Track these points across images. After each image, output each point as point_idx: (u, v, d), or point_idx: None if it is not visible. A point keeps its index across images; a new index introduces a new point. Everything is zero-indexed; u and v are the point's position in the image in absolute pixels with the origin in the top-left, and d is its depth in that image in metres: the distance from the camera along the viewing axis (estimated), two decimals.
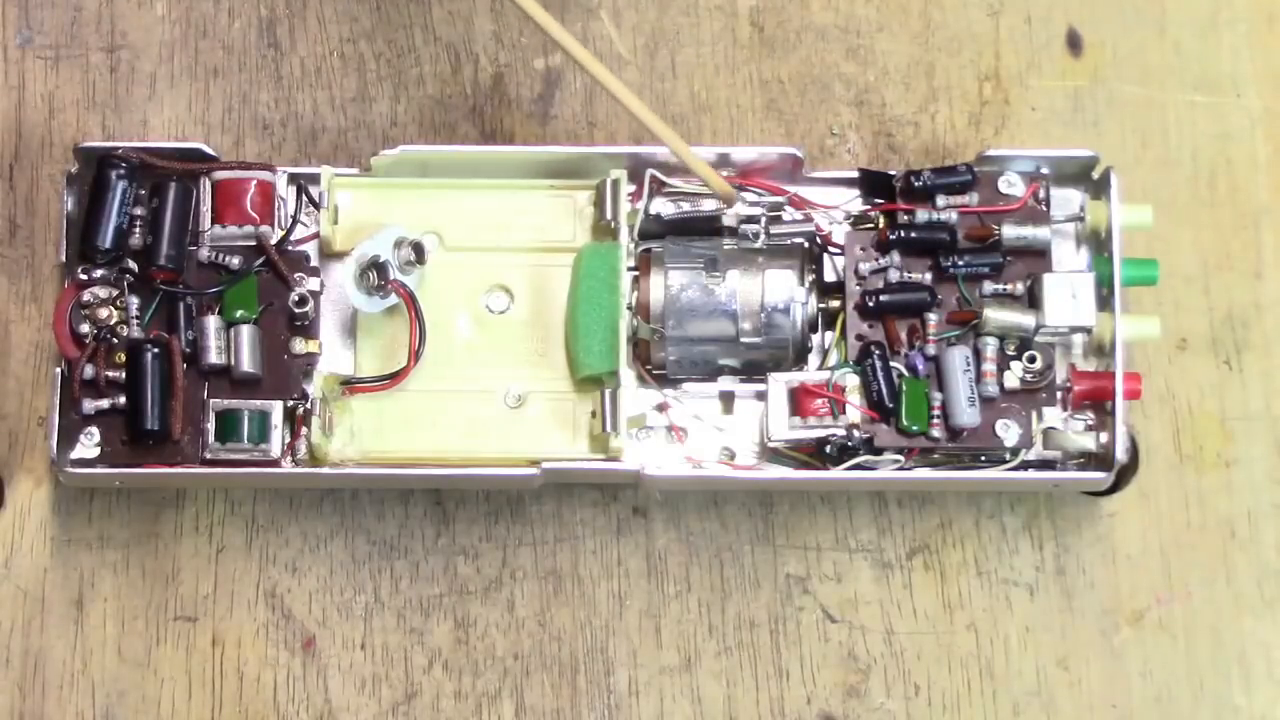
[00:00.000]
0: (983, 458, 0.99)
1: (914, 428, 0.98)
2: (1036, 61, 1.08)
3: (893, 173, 1.01)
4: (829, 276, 1.01)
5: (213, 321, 0.99)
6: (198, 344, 0.99)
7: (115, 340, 0.99)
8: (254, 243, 1.00)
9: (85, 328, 0.99)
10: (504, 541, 1.03)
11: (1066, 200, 1.02)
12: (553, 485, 1.02)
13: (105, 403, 0.98)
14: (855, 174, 1.02)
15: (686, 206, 1.01)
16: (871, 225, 1.01)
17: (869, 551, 1.03)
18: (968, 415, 0.97)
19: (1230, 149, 1.07)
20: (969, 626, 1.02)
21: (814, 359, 1.01)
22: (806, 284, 0.99)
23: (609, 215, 1.00)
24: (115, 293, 0.99)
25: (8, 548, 1.02)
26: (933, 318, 0.99)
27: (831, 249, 1.01)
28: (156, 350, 0.98)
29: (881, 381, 0.98)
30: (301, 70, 1.07)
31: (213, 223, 1.00)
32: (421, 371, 0.99)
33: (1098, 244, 1.01)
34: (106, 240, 0.99)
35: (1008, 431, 0.98)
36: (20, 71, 1.07)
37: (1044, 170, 1.01)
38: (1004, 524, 1.03)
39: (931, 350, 0.99)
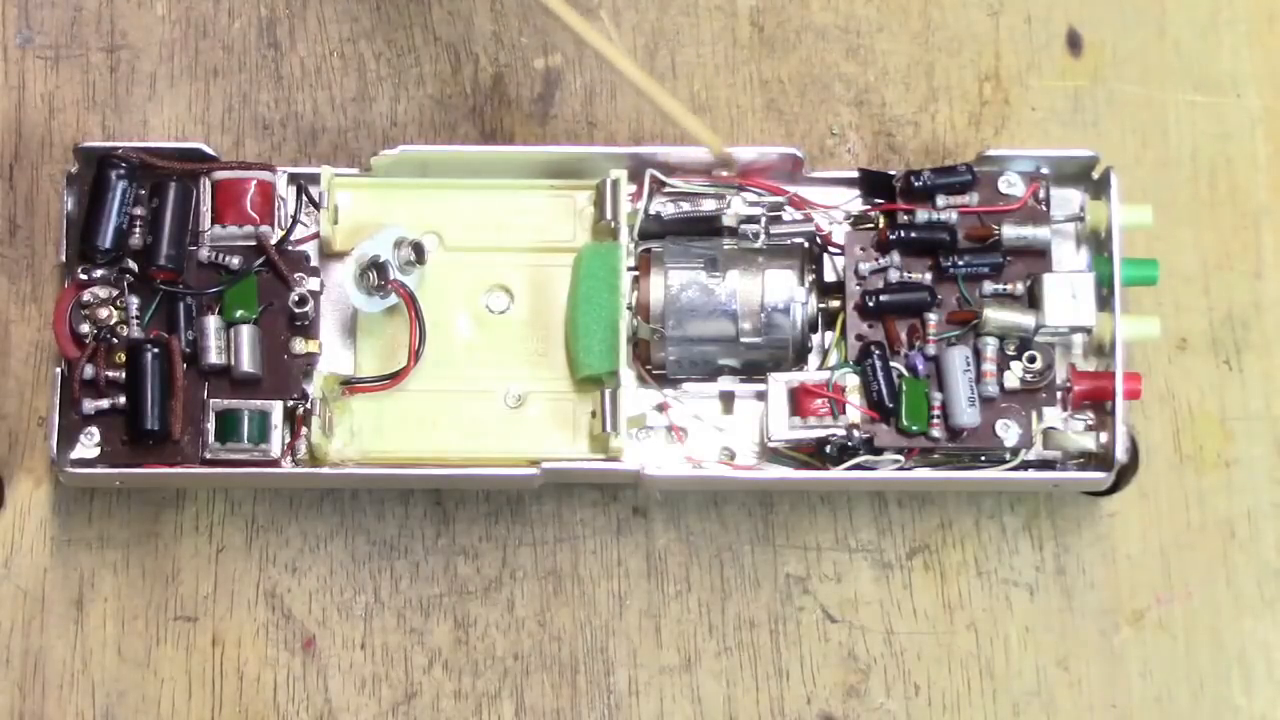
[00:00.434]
0: (983, 458, 0.99)
1: (914, 428, 0.98)
2: (1036, 61, 1.08)
3: (893, 173, 1.01)
4: (829, 276, 1.01)
5: (213, 321, 0.99)
6: (198, 344, 0.99)
7: (115, 340, 0.99)
8: (254, 243, 1.00)
9: (85, 328, 0.99)
10: (504, 541, 1.03)
11: (1066, 200, 1.02)
12: (553, 485, 1.02)
13: (105, 403, 0.98)
14: (855, 174, 1.02)
15: (686, 206, 1.01)
16: (871, 225, 1.01)
17: (869, 551, 1.03)
18: (968, 415, 0.97)
19: (1230, 149, 1.07)
20: (969, 626, 1.02)
21: (814, 359, 1.01)
22: (806, 284, 0.99)
23: (609, 215, 1.00)
24: (115, 293, 0.99)
25: (8, 548, 1.02)
26: (933, 318, 0.99)
27: (831, 249, 1.01)
28: (156, 350, 0.98)
29: (881, 381, 0.98)
30: (301, 70, 1.07)
31: (213, 223, 1.00)
32: (421, 371, 0.99)
33: (1098, 244, 1.01)
34: (106, 240, 0.99)
35: (1008, 431, 0.98)
36: (20, 71, 1.07)
37: (1044, 170, 1.01)
38: (1004, 524, 1.03)
39: (931, 350, 0.99)
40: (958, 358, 0.98)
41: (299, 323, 1.00)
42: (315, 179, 1.01)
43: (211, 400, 0.99)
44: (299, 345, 0.99)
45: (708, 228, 1.01)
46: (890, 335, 0.99)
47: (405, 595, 1.02)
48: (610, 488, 1.03)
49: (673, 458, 1.01)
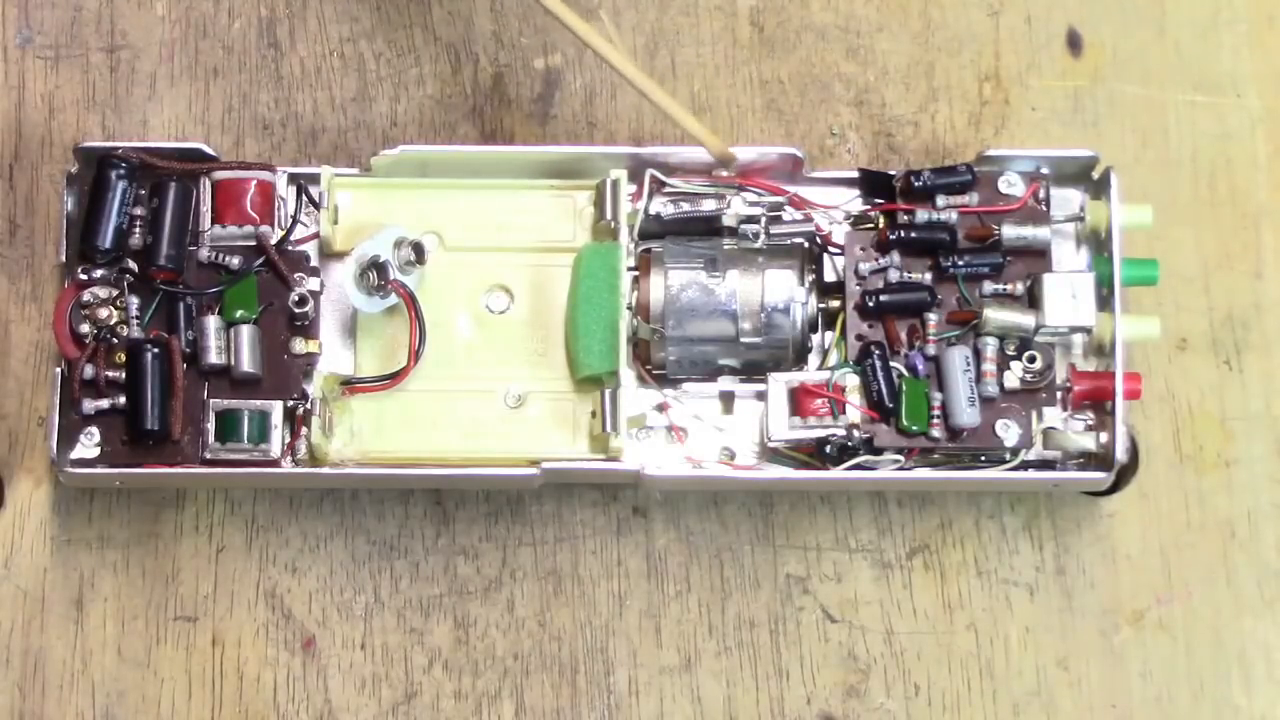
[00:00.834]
0: (983, 458, 0.99)
1: (914, 428, 0.98)
2: (1036, 61, 1.08)
3: (893, 173, 1.01)
4: (829, 276, 1.01)
5: (213, 321, 0.99)
6: (198, 344, 0.99)
7: (115, 340, 0.99)
8: (254, 243, 1.00)
9: (85, 328, 0.99)
10: (504, 541, 1.03)
11: (1066, 200, 1.02)
12: (553, 485, 1.02)
13: (105, 403, 0.98)
14: (855, 174, 1.02)
15: (686, 206, 1.01)
16: (871, 225, 1.01)
17: (869, 551, 1.03)
18: (968, 415, 0.97)
19: (1230, 149, 1.07)
20: (969, 626, 1.02)
21: (814, 359, 1.01)
22: (806, 284, 0.99)
23: (609, 215, 1.00)
24: (115, 293, 0.99)
25: (8, 548, 1.02)
26: (933, 318, 0.99)
27: (831, 249, 1.01)
28: (156, 350, 0.98)
29: (881, 381, 0.98)
30: (301, 70, 1.07)
31: (213, 223, 1.00)
32: (421, 371, 0.99)
33: (1098, 244, 1.01)
34: (106, 240, 0.99)
35: (1008, 431, 0.98)
36: (20, 71, 1.07)
37: (1044, 170, 1.01)
38: (1004, 524, 1.03)
39: (931, 350, 0.99)
40: (958, 358, 0.98)
41: (299, 323, 1.00)
42: (315, 179, 1.01)
43: (211, 400, 0.99)
44: (299, 345, 0.99)
45: (708, 228, 1.01)
46: (890, 335, 0.99)
47: (405, 595, 1.02)
48: (610, 488, 1.03)
49: (673, 458, 1.01)
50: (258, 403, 0.99)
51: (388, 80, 1.07)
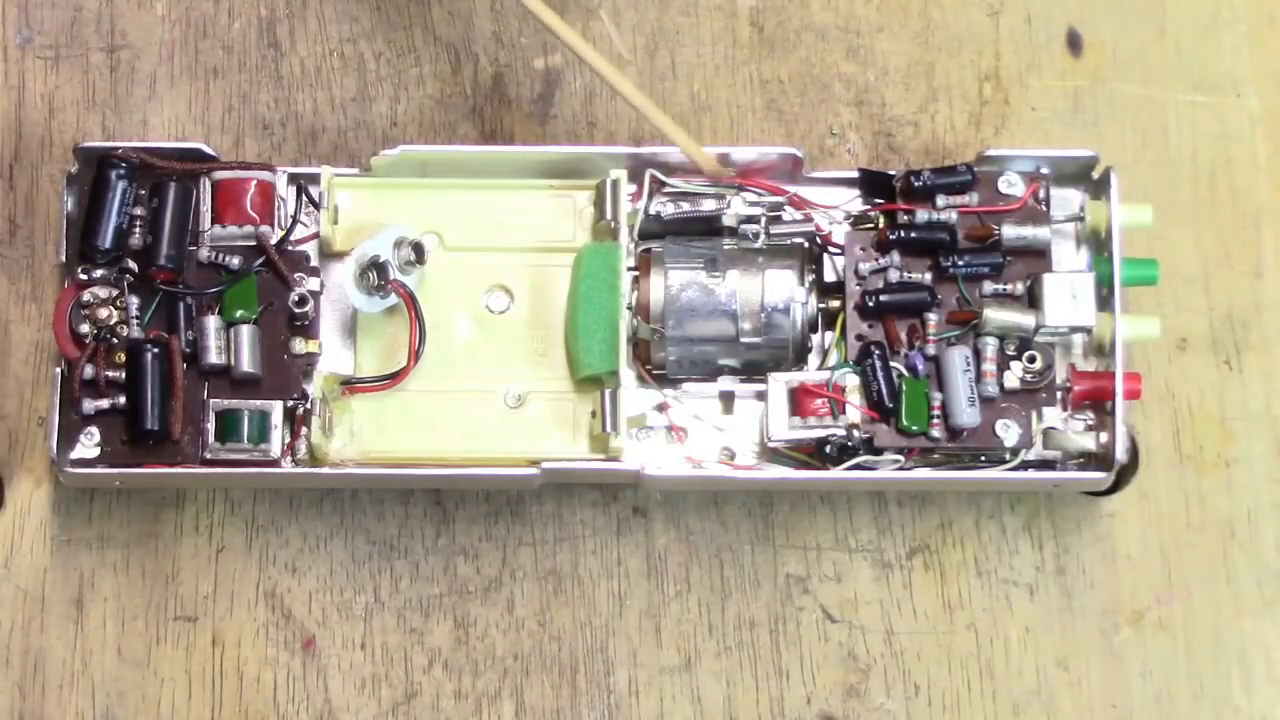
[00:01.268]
0: (983, 458, 0.99)
1: (914, 428, 0.98)
2: (1036, 61, 1.08)
3: (893, 173, 1.01)
4: (829, 276, 1.01)
5: (213, 321, 0.99)
6: (198, 344, 0.99)
7: (115, 340, 0.99)
8: (254, 243, 1.00)
9: (85, 328, 0.99)
10: (504, 541, 1.03)
11: (1066, 200, 1.02)
12: (553, 485, 1.02)
13: (105, 403, 0.98)
14: (855, 174, 1.02)
15: (686, 206, 1.01)
16: (871, 225, 1.01)
17: (869, 551, 1.03)
18: (968, 415, 0.97)
19: (1230, 149, 1.07)
20: (969, 626, 1.02)
21: (814, 359, 1.01)
22: (806, 284, 0.99)
23: (609, 215, 1.00)
24: (115, 293, 0.99)
25: (8, 548, 1.02)
26: (933, 318, 0.99)
27: (831, 249, 1.01)
28: (156, 350, 0.98)
29: (881, 381, 0.98)
30: (301, 70, 1.07)
31: (213, 223, 1.00)
32: (421, 371, 0.99)
33: (1098, 244, 1.01)
34: (106, 240, 0.99)
35: (1008, 431, 0.98)
36: (20, 71, 1.07)
37: (1044, 170, 1.01)
38: (1004, 524, 1.03)
39: (931, 350, 0.99)
40: (958, 358, 0.98)
41: (299, 323, 1.00)
42: (315, 179, 1.01)
43: (211, 400, 0.99)
44: (299, 345, 0.99)
45: (708, 228, 1.01)
46: (890, 335, 0.99)
47: (405, 595, 1.02)
48: (610, 488, 1.03)
49: (673, 458, 1.01)
50: (258, 403, 0.99)
51: (388, 80, 1.07)
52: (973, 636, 1.02)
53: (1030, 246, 0.99)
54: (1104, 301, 0.99)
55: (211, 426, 0.98)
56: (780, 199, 1.01)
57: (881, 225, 1.00)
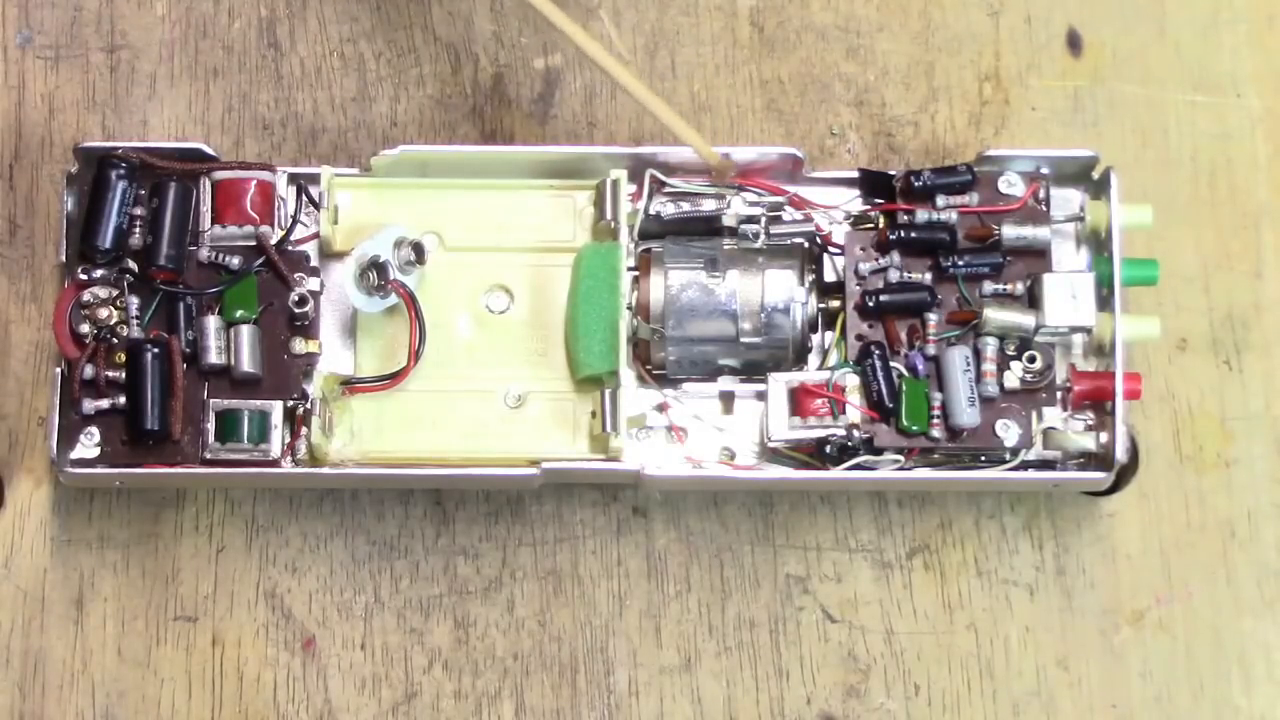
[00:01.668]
0: (983, 458, 0.99)
1: (914, 428, 0.98)
2: (1036, 61, 1.08)
3: (893, 173, 1.01)
4: (829, 276, 1.01)
5: (213, 321, 0.99)
6: (198, 344, 0.99)
7: (115, 340, 0.99)
8: (254, 243, 1.00)
9: (85, 328, 0.99)
10: (504, 541, 1.03)
11: (1066, 200, 1.02)
12: (553, 485, 1.02)
13: (105, 403, 0.98)
14: (855, 174, 1.02)
15: (686, 206, 1.01)
16: (871, 225, 1.01)
17: (869, 551, 1.03)
18: (968, 415, 0.97)
19: (1230, 149, 1.07)
20: (969, 626, 1.02)
21: (814, 359, 1.01)
22: (806, 284, 0.99)
23: (609, 215, 1.00)
24: (115, 293, 0.99)
25: (8, 548, 1.02)
26: (933, 318, 0.99)
27: (831, 249, 1.01)
28: (156, 350, 0.98)
29: (881, 381, 0.98)
30: (301, 70, 1.07)
31: (213, 223, 1.00)
32: (421, 371, 0.99)
33: (1098, 244, 1.01)
34: (106, 240, 0.99)
35: (1008, 431, 0.98)
36: (20, 71, 1.07)
37: (1044, 170, 1.01)
38: (1004, 524, 1.03)
39: (931, 350, 0.99)
40: (958, 358, 0.98)
41: (299, 323, 1.00)
42: (315, 179, 1.01)
43: (211, 400, 0.99)
44: (299, 345, 0.99)
45: (708, 228, 1.01)
46: (890, 335, 0.99)
47: (405, 595, 1.02)
48: (610, 488, 1.03)
49: (673, 458, 1.01)
50: (258, 403, 0.99)
51: (388, 80, 1.07)
52: (973, 636, 1.02)
53: (1030, 246, 0.99)
54: (1104, 301, 0.99)
55: (211, 426, 0.98)
56: (780, 199, 1.01)
57: (881, 225, 1.00)
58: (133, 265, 0.99)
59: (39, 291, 1.04)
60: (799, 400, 0.98)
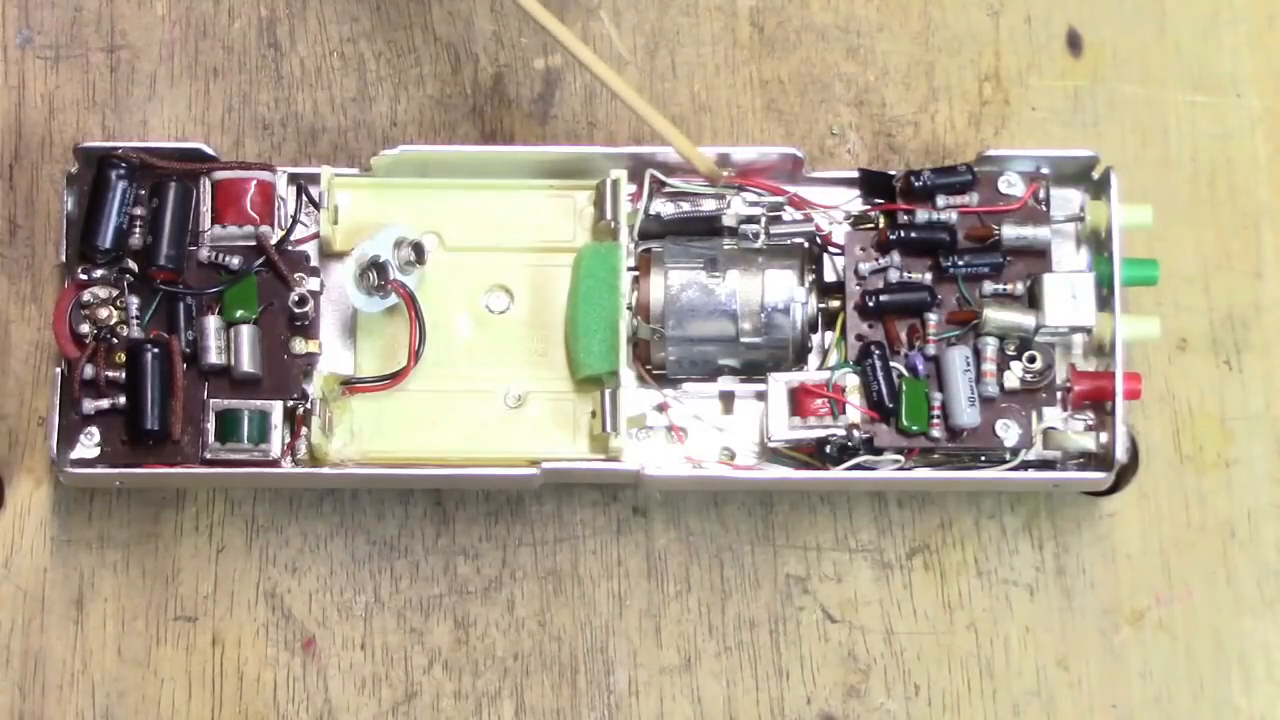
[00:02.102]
0: (983, 458, 0.99)
1: (914, 428, 0.98)
2: (1036, 61, 1.08)
3: (893, 173, 1.01)
4: (829, 276, 1.01)
5: (213, 321, 0.99)
6: (198, 344, 0.99)
7: (115, 340, 0.99)
8: (254, 243, 1.00)
9: (85, 328, 0.99)
10: (504, 541, 1.03)
11: (1066, 200, 1.02)
12: (553, 485, 1.02)
13: (105, 403, 0.98)
14: (855, 174, 1.02)
15: (686, 206, 1.01)
16: (871, 225, 1.01)
17: (869, 551, 1.03)
18: (968, 415, 0.97)
19: (1230, 149, 1.07)
20: (969, 626, 1.02)
21: (814, 359, 1.01)
22: (806, 284, 0.99)
23: (609, 215, 1.00)
24: (115, 293, 0.99)
25: (8, 548, 1.02)
26: (933, 318, 0.99)
27: (831, 249, 1.01)
28: (156, 350, 0.98)
29: (881, 381, 0.98)
30: (301, 70, 1.07)
31: (213, 223, 1.00)
32: (421, 371, 1.00)
33: (1098, 244, 1.01)
34: (106, 240, 0.99)
35: (1008, 431, 0.98)
36: (20, 71, 1.07)
37: (1044, 170, 1.01)
38: (1004, 524, 1.03)
39: (931, 350, 0.99)
40: (958, 358, 0.98)
41: (299, 323, 1.00)
42: (315, 179, 1.01)
43: (211, 400, 0.99)
44: (299, 345, 0.99)
45: (708, 228, 1.01)
46: (890, 335, 0.99)
47: (405, 595, 1.02)
48: (610, 488, 1.03)
49: (673, 458, 1.01)
50: (258, 403, 0.99)
51: (388, 80, 1.07)
52: (973, 636, 1.02)
53: (1030, 246, 0.99)
54: (1104, 301, 0.99)
55: (211, 426, 0.98)
56: (780, 199, 1.01)
57: (881, 225, 1.00)
58: (133, 265, 0.99)
59: (39, 291, 1.04)
60: (799, 400, 0.98)
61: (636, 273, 1.00)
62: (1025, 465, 0.99)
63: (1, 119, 1.06)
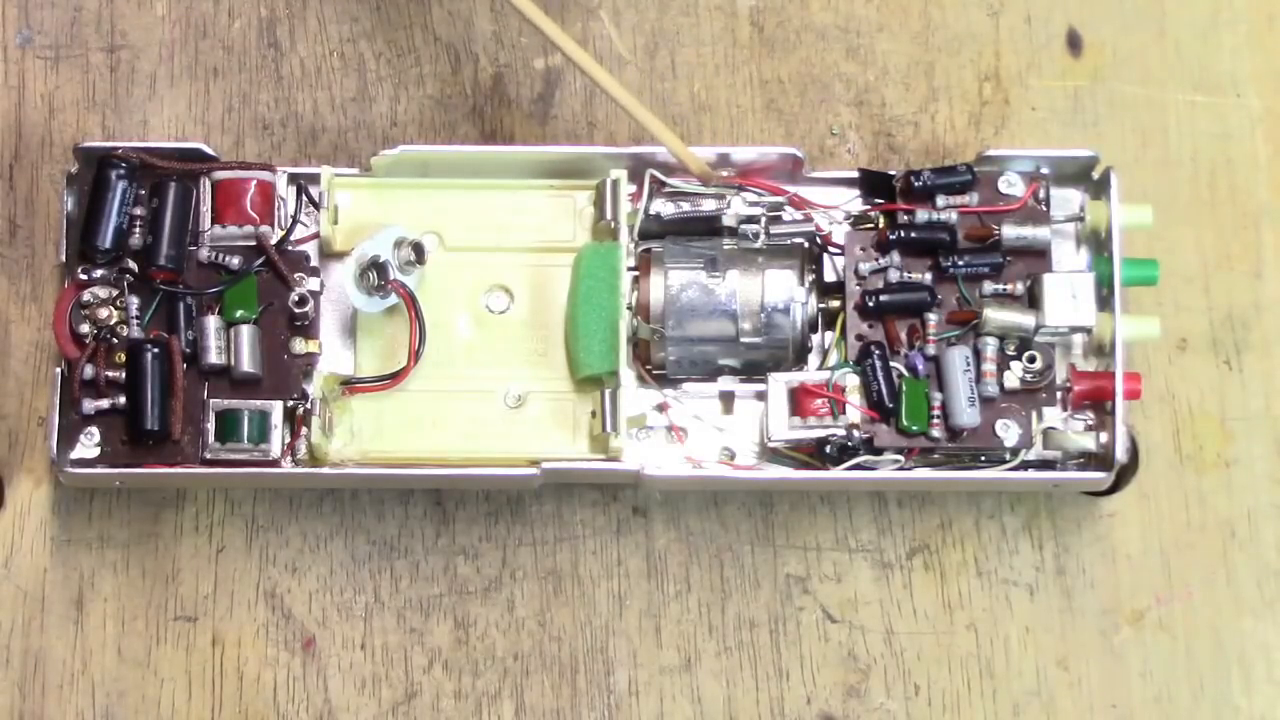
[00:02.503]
0: (983, 458, 0.99)
1: (914, 428, 0.98)
2: (1036, 61, 1.08)
3: (893, 173, 1.01)
4: (829, 276, 1.01)
5: (213, 321, 0.99)
6: (198, 344, 0.99)
7: (115, 340, 0.99)
8: (254, 243, 1.00)
9: (85, 328, 0.99)
10: (504, 541, 1.03)
11: (1066, 200, 1.02)
12: (553, 485, 1.02)
13: (105, 403, 0.98)
14: (855, 174, 1.02)
15: (686, 206, 1.01)
16: (871, 225, 1.01)
17: (869, 551, 1.03)
18: (968, 415, 0.97)
19: (1230, 149, 1.07)
20: (969, 626, 1.02)
21: (814, 359, 1.01)
22: (806, 284, 0.99)
23: (609, 215, 1.00)
24: (115, 293, 0.99)
25: (8, 548, 1.02)
26: (933, 318, 0.99)
27: (831, 249, 1.01)
28: (156, 350, 0.98)
29: (881, 381, 0.98)
30: (301, 70, 1.07)
31: (213, 223, 1.00)
32: (421, 371, 1.00)
33: (1098, 244, 1.01)
34: (106, 240, 0.99)
35: (1008, 431, 0.98)
36: (20, 71, 1.07)
37: (1044, 170, 1.01)
38: (1004, 524, 1.03)
39: (931, 350, 0.99)
40: (958, 358, 0.98)
41: (299, 323, 1.00)
42: (315, 179, 1.01)
43: (211, 400, 0.99)
44: (299, 345, 0.99)
45: (708, 228, 1.01)
46: (890, 335, 0.99)
47: (405, 595, 1.02)
48: (610, 488, 1.03)
49: (673, 458, 1.01)
50: (258, 403, 0.99)
51: (388, 80, 1.07)
52: (973, 636, 1.02)
53: (1030, 246, 0.99)
54: (1104, 301, 0.99)
55: (211, 426, 0.98)
56: (780, 199, 1.01)
57: (881, 225, 1.00)
58: (133, 265, 0.99)
59: (39, 291, 1.04)
60: (799, 400, 0.98)
61: (636, 273, 1.00)
62: (1025, 465, 0.99)
63: (1, 119, 1.06)
